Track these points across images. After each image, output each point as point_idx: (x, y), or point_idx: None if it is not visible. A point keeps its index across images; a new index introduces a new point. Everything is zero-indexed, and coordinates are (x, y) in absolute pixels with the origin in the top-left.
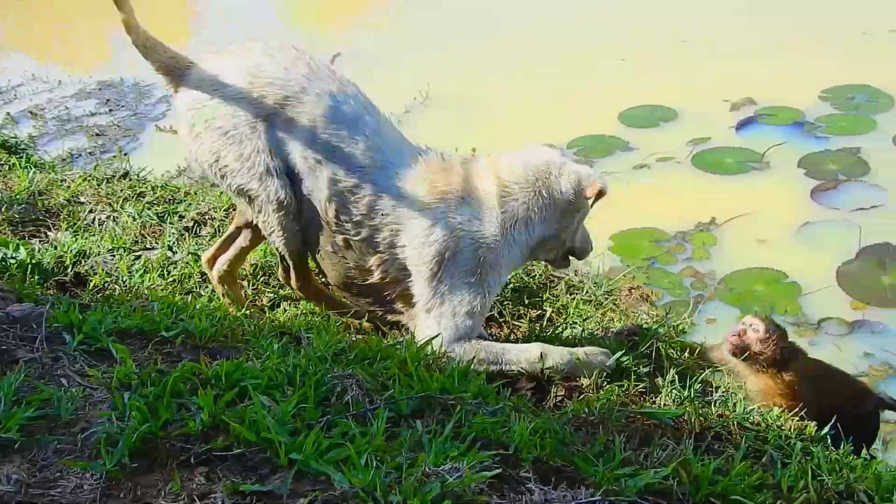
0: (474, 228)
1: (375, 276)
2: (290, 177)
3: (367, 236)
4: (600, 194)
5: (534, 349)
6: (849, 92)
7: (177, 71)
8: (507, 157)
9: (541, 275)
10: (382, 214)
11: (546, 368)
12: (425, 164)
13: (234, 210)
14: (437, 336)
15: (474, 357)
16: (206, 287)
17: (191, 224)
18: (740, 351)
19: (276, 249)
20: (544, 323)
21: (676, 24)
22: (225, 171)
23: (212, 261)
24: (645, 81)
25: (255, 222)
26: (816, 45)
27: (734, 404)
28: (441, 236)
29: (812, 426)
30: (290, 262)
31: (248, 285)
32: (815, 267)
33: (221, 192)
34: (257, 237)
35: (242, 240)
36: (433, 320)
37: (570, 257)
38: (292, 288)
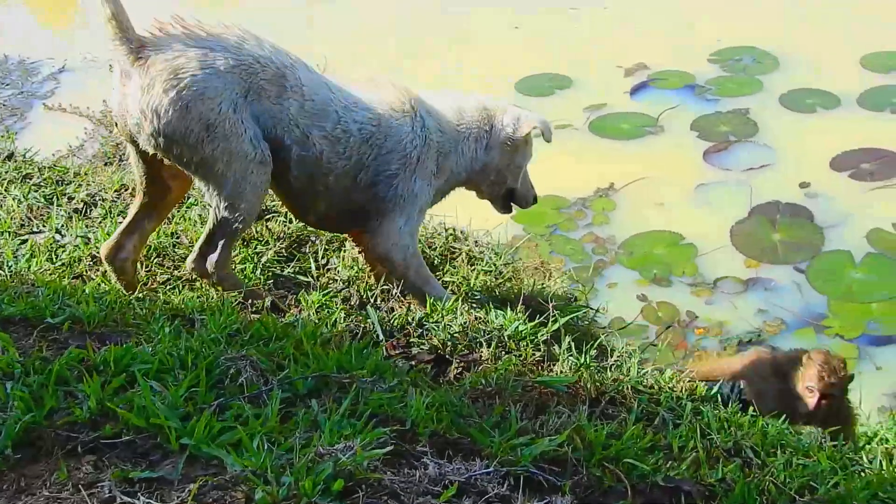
0: (437, 138)
1: (360, 192)
2: (276, 145)
3: (356, 160)
4: (531, 133)
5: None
6: (736, 54)
7: (136, 44)
8: (460, 92)
9: (441, 246)
10: (367, 138)
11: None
12: (391, 86)
13: (130, 193)
14: (402, 227)
15: (415, 265)
16: (98, 270)
17: (80, 206)
18: None
19: (231, 224)
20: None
21: None
22: (214, 137)
23: (116, 249)
24: (538, 50)
25: (213, 198)
26: (701, 9)
27: (629, 368)
28: (418, 141)
29: (702, 386)
30: (230, 240)
31: (142, 267)
32: (710, 227)
33: (112, 172)
34: (162, 217)
35: (148, 222)
36: (401, 215)
37: (512, 204)
38: (207, 273)
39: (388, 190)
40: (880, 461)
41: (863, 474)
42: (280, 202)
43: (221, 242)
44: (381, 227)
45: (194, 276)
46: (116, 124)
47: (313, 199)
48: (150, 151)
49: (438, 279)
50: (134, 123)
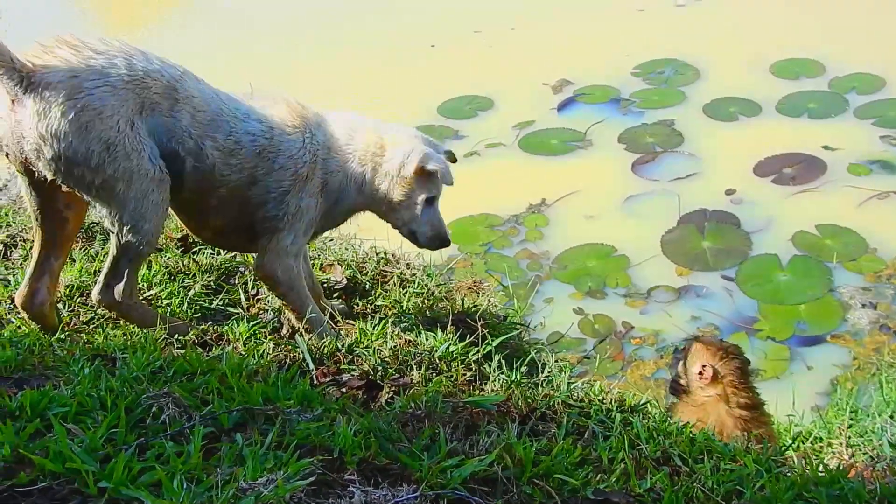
0: (324, 155)
1: (251, 208)
2: (171, 157)
3: (248, 174)
4: (421, 171)
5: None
6: (657, 67)
7: (23, 71)
8: (362, 116)
9: (373, 270)
10: (259, 151)
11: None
12: (284, 103)
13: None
14: (289, 246)
15: (298, 287)
16: (18, 313)
17: (0, 248)
18: None
19: (135, 247)
20: (376, 320)
21: (466, 14)
22: (115, 157)
23: (31, 295)
24: (455, 73)
25: (116, 221)
26: (607, 25)
27: (559, 384)
28: (308, 157)
29: (631, 397)
30: (135, 265)
31: (64, 307)
32: (641, 238)
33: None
34: (65, 251)
35: (54, 259)
36: (290, 233)
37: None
38: (115, 303)
39: (279, 208)
40: (803, 461)
41: (788, 475)
42: (179, 219)
43: (127, 270)
44: (271, 244)
45: (101, 308)
46: (8, 155)
47: (208, 213)
48: (50, 177)
49: (370, 303)
50: (32, 150)
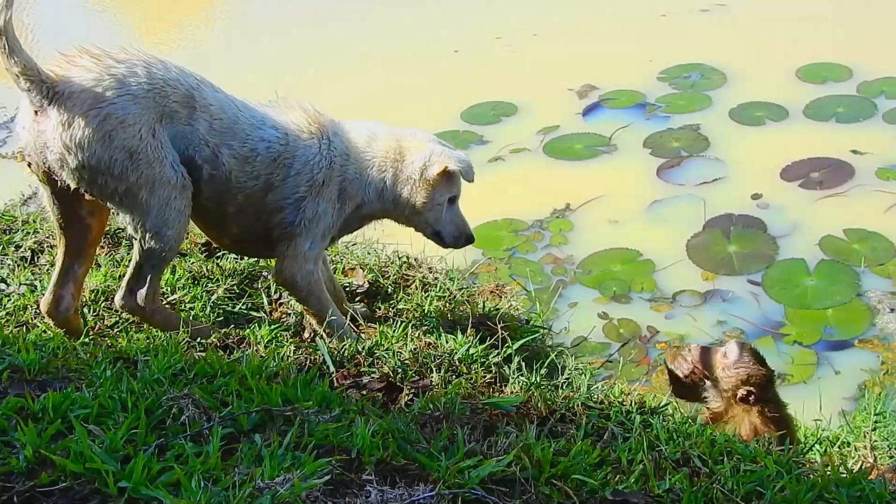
0: (341, 162)
1: (268, 215)
2: (188, 165)
3: (264, 180)
4: (445, 173)
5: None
6: (684, 71)
7: (48, 83)
8: (380, 124)
9: (395, 274)
10: (275, 157)
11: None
12: (300, 109)
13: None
14: (307, 251)
15: (317, 291)
16: (44, 318)
17: (28, 254)
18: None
19: (158, 253)
20: (398, 324)
21: (487, 20)
22: (138, 165)
23: (56, 302)
24: (479, 78)
25: (139, 228)
26: (626, 30)
27: (579, 386)
28: (324, 163)
29: (651, 399)
30: (157, 271)
31: (89, 311)
32: (667, 242)
33: None
34: (89, 257)
35: (78, 266)
36: (307, 238)
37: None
38: (138, 308)
39: (295, 214)
40: (825, 462)
41: (808, 477)
42: (198, 227)
43: (150, 275)
44: (289, 250)
45: (125, 313)
46: (30, 164)
47: (225, 221)
48: (74, 186)
49: (392, 307)
50: (56, 159)
